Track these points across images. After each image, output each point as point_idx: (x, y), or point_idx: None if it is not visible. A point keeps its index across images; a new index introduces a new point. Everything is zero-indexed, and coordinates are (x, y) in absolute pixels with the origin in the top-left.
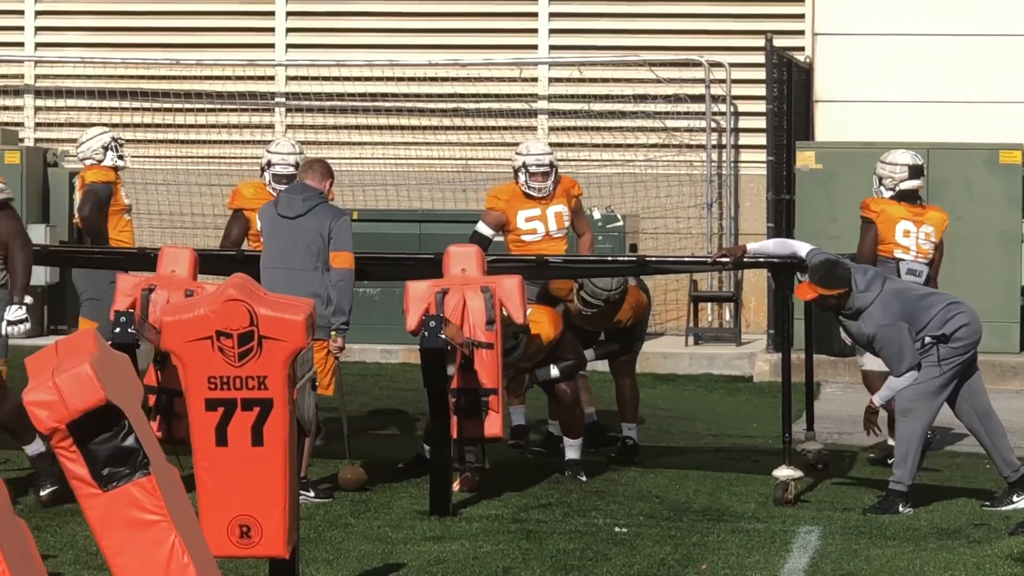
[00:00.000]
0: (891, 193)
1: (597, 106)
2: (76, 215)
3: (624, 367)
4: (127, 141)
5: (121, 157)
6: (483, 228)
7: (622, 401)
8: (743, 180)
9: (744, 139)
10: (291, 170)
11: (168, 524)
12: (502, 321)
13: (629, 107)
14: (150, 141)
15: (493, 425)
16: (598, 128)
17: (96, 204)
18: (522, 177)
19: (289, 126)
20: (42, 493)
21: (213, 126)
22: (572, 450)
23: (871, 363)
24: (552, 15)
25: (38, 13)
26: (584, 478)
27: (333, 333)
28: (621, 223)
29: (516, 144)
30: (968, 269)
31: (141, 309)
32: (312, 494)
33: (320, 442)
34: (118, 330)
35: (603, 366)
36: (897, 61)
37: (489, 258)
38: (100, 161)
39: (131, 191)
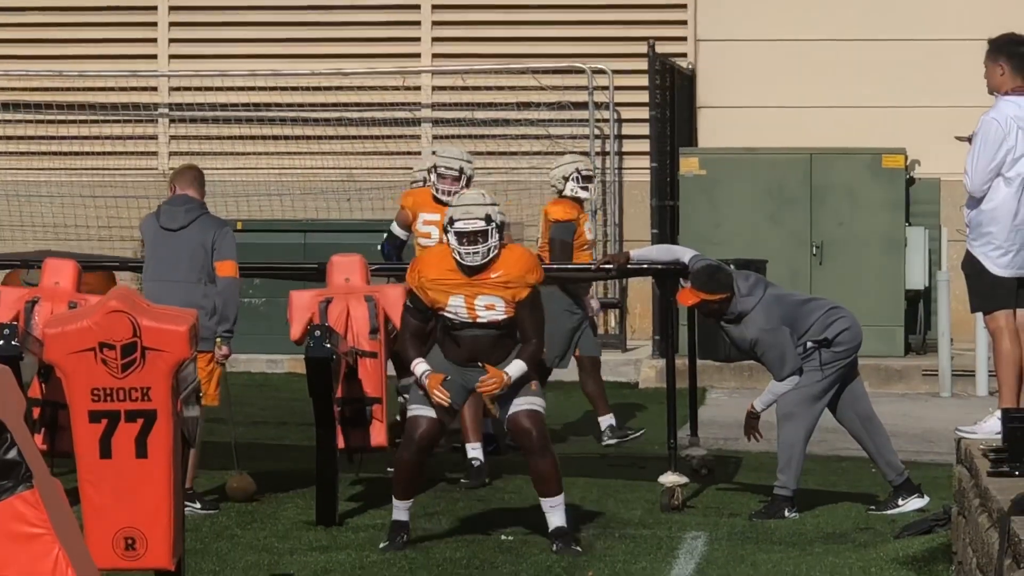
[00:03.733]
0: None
1: (480, 114)
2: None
3: None
4: (8, 153)
5: (584, 188)
6: None
7: (468, 421)
8: (627, 186)
9: (628, 145)
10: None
11: (52, 537)
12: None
13: (513, 115)
14: (33, 153)
15: (378, 435)
16: (482, 136)
17: (561, 249)
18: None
19: (172, 136)
20: None
21: (96, 138)
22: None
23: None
24: (435, 23)
25: None
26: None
27: (219, 340)
28: (506, 231)
29: (400, 153)
30: (852, 273)
31: (24, 321)
32: (199, 505)
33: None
34: (1, 343)
35: None
36: (779, 67)
37: (373, 267)
38: (560, 192)
39: (15, 203)
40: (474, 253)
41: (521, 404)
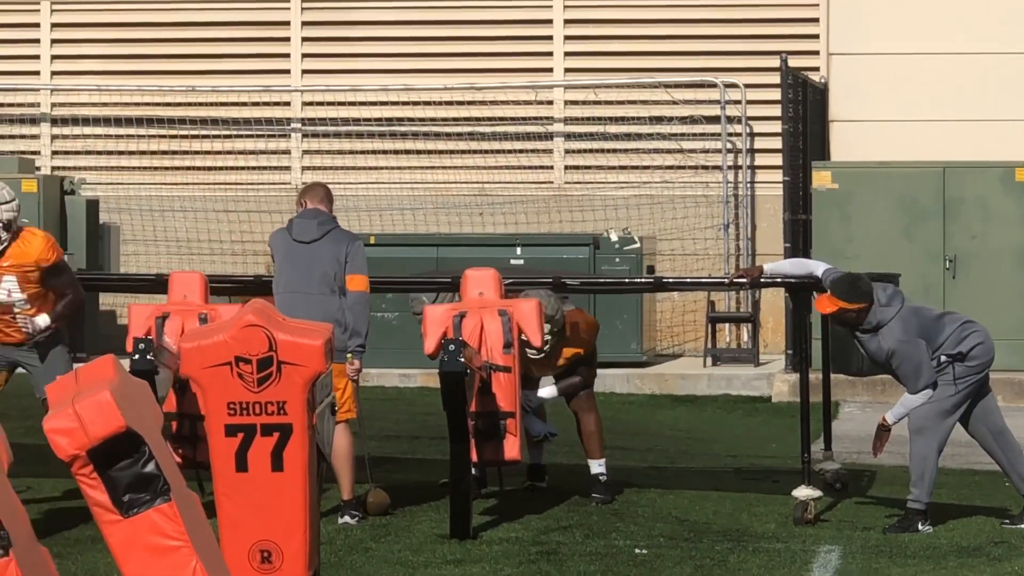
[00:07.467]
0: None
1: (613, 128)
2: None
3: (585, 402)
4: (142, 168)
5: None
6: None
7: (587, 438)
8: (759, 200)
9: (760, 159)
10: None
11: (189, 550)
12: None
13: (645, 129)
14: (166, 168)
15: (512, 448)
16: (614, 150)
17: None
18: None
19: (305, 151)
20: None
21: (229, 152)
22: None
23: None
24: (567, 38)
25: (54, 42)
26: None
27: (349, 356)
28: (638, 245)
29: (533, 167)
30: (985, 287)
31: (156, 336)
32: (359, 515)
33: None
34: (136, 357)
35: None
36: (912, 80)
37: (506, 281)
38: None
39: (148, 218)
40: None
41: None
